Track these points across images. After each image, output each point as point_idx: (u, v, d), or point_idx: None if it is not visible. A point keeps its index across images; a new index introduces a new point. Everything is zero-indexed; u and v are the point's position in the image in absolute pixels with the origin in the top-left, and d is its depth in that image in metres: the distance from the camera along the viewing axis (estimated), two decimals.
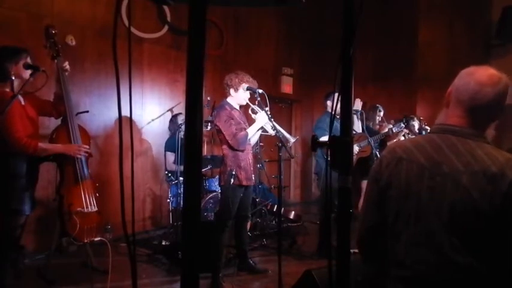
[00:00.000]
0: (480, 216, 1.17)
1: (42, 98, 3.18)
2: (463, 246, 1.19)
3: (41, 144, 2.87)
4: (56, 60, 3.12)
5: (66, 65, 3.14)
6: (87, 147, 3.17)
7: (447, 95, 1.37)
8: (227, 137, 3.35)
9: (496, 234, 1.18)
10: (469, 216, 1.18)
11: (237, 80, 3.42)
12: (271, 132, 3.35)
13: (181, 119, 4.74)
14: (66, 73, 3.14)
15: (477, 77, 1.28)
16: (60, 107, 3.15)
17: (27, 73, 2.80)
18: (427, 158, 1.29)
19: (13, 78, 2.75)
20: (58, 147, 3.05)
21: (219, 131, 3.41)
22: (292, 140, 3.35)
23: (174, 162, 4.59)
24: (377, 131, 5.02)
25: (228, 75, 3.48)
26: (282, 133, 3.27)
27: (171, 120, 5.00)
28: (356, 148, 4.57)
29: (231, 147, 3.39)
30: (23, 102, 2.91)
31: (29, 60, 2.85)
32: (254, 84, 3.46)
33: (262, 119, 3.37)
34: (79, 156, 3.11)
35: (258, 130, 3.48)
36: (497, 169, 1.18)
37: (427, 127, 5.24)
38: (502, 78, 1.28)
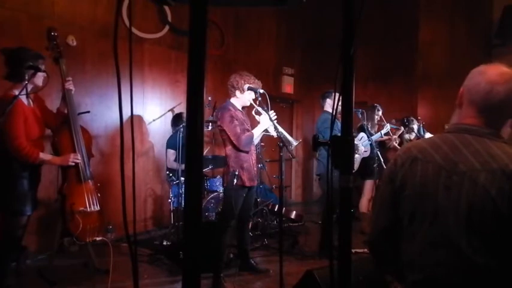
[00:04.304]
0: (499, 216, 1.14)
1: (48, 108, 3.18)
2: (482, 246, 1.16)
3: (41, 156, 2.89)
4: (58, 63, 3.12)
5: (71, 84, 3.14)
6: (79, 159, 3.13)
7: (459, 95, 1.34)
8: (232, 138, 3.34)
9: None
10: (487, 216, 1.15)
11: (242, 81, 3.40)
12: (274, 134, 3.35)
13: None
14: (72, 92, 3.15)
15: (488, 76, 1.26)
16: (60, 122, 3.15)
17: (29, 74, 2.81)
18: (444, 157, 1.26)
19: (27, 82, 2.76)
20: (56, 160, 3.06)
21: (223, 132, 3.40)
22: (294, 143, 3.35)
23: (175, 160, 4.59)
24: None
25: (233, 77, 3.45)
26: (284, 136, 3.27)
27: (176, 116, 4.87)
28: (361, 148, 4.56)
29: (235, 148, 3.38)
30: (31, 103, 2.91)
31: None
32: (258, 85, 3.45)
33: (265, 121, 3.38)
34: (73, 163, 3.10)
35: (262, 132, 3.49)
36: None
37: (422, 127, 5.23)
38: None
